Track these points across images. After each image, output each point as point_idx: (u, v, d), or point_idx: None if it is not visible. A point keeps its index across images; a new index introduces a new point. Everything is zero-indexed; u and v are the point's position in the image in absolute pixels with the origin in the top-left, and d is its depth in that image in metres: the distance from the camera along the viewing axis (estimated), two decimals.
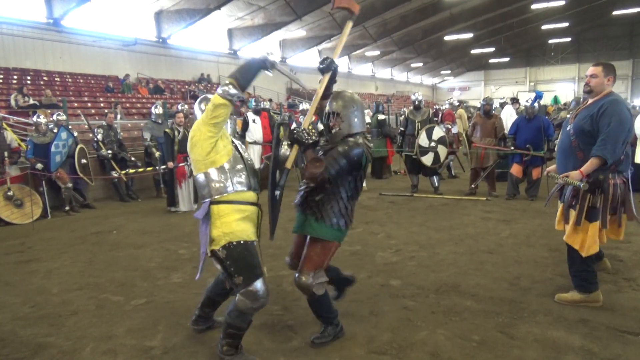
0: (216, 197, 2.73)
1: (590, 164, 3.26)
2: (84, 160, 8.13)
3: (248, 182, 2.83)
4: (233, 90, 2.62)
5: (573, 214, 3.41)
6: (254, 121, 9.52)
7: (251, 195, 2.84)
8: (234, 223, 2.71)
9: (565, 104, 17.66)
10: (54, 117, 8.39)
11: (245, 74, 2.72)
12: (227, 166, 2.75)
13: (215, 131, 2.68)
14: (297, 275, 2.96)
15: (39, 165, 7.49)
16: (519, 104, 12.42)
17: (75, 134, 8.35)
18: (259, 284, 2.71)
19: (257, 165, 9.55)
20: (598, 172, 3.28)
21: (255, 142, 9.58)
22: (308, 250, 2.96)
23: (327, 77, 2.87)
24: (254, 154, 9.60)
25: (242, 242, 2.71)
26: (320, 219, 2.93)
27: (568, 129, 3.49)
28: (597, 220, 3.34)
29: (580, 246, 3.39)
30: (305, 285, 2.91)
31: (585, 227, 3.36)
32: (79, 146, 8.08)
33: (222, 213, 2.71)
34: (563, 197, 3.57)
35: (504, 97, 17.30)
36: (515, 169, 7.74)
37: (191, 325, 3.32)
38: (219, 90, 2.64)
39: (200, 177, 2.76)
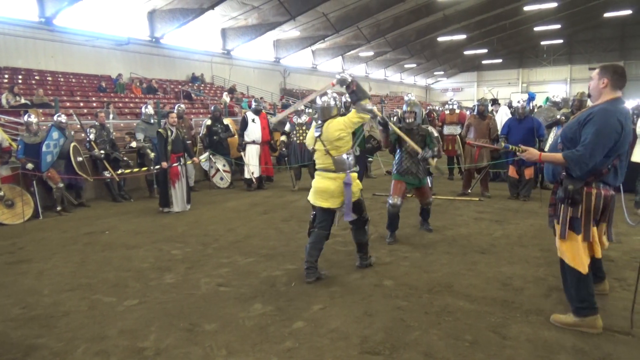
0: (351, 169, 4.25)
1: (552, 157, 3.14)
2: (79, 158, 8.06)
3: None
4: (369, 106, 4.16)
5: (557, 226, 3.18)
6: (253, 121, 9.52)
7: None
8: (358, 183, 4.37)
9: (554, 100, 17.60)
10: (55, 118, 8.18)
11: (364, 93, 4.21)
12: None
13: (350, 130, 4.22)
14: (424, 200, 5.71)
15: (30, 165, 7.40)
16: (499, 104, 12.59)
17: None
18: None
19: (256, 164, 9.53)
20: (568, 181, 3.05)
21: (253, 142, 9.56)
22: (423, 191, 5.62)
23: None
24: (252, 153, 9.57)
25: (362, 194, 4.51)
26: (425, 176, 5.61)
27: (559, 132, 3.57)
28: (580, 232, 3.09)
29: (570, 259, 3.13)
30: (429, 202, 5.75)
31: (572, 238, 3.11)
32: (72, 144, 8.00)
33: (354, 178, 4.29)
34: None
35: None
36: (511, 171, 7.86)
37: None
38: (363, 107, 4.15)
39: (342, 157, 4.20)
